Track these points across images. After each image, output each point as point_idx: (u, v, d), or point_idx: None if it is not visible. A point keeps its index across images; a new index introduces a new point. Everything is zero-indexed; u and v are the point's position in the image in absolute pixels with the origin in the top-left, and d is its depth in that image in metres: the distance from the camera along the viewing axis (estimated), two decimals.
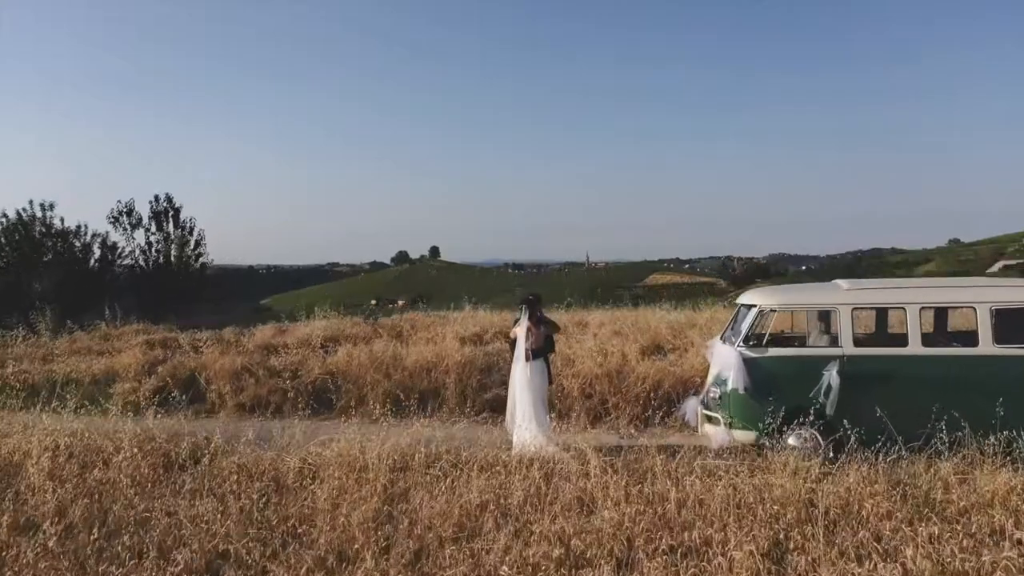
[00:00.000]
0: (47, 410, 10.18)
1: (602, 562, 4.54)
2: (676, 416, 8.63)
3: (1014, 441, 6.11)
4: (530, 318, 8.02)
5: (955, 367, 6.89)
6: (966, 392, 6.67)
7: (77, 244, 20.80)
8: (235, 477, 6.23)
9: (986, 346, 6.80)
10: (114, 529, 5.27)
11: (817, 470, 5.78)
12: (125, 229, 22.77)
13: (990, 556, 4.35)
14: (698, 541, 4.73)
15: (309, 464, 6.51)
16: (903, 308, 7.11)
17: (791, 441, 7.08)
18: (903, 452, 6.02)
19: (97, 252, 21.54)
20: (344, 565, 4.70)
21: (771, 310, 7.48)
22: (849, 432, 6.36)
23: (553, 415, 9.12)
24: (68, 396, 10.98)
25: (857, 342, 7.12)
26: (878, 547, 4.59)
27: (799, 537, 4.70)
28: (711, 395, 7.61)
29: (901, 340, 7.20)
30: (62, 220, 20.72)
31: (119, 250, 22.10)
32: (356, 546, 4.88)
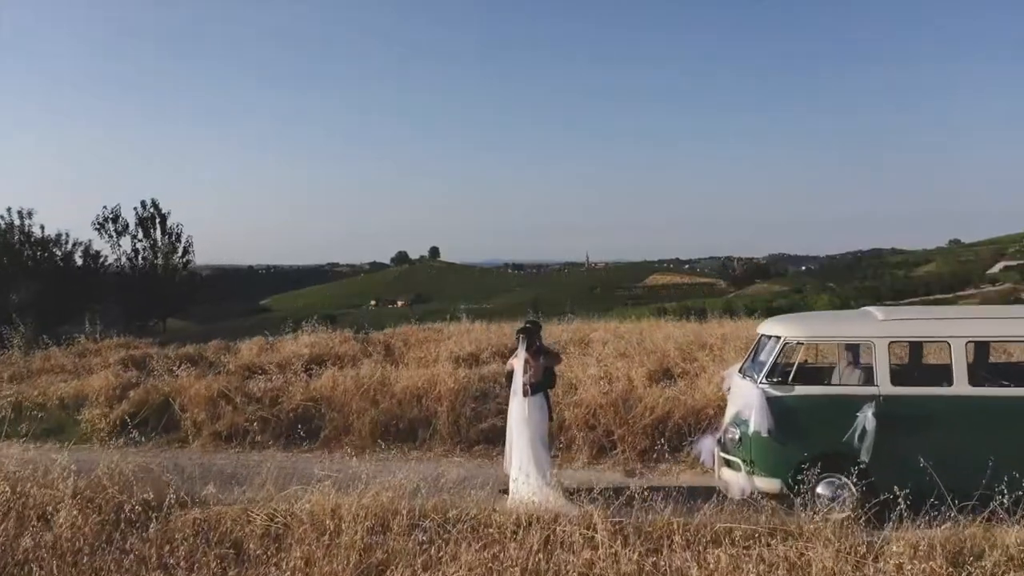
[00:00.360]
0: (4, 440, 9.45)
1: None
2: (691, 454, 7.85)
3: None
4: (528, 349, 7.24)
5: (1012, 412, 6.09)
6: None
7: (58, 253, 20.06)
8: (192, 541, 5.46)
9: None
10: None
11: (856, 537, 5.01)
12: (111, 236, 22.08)
13: None
14: None
15: (277, 523, 5.74)
16: (946, 342, 6.33)
17: (821, 490, 6.32)
18: (955, 513, 5.25)
19: (80, 261, 20.77)
20: None
21: (797, 342, 6.69)
22: (886, 481, 5.63)
23: (556, 455, 8.38)
24: (30, 423, 10.27)
25: (895, 379, 6.34)
26: None
27: None
28: (729, 436, 6.83)
29: (942, 376, 6.44)
30: (42, 228, 20.03)
31: (103, 258, 21.37)
32: None
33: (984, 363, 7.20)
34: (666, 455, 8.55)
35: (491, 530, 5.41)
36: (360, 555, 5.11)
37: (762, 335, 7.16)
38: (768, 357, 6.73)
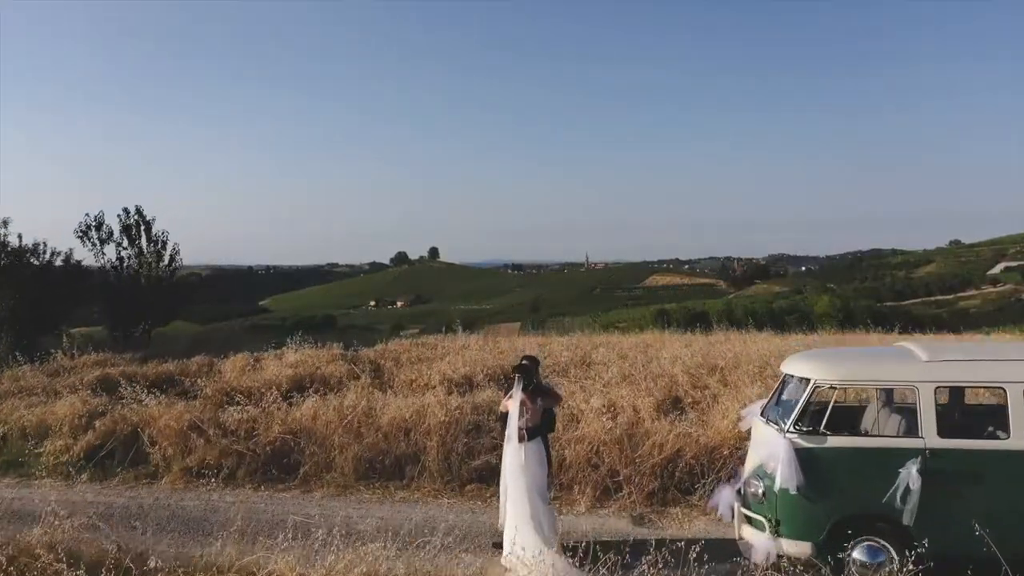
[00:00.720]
0: None
1: None
2: (706, 504, 7.05)
3: None
4: (525, 389, 6.45)
5: None
6: None
7: (35, 263, 19.22)
8: None
9: None
10: None
11: None
12: (94, 244, 21.25)
13: None
14: None
15: None
16: (1002, 388, 5.55)
17: (857, 556, 5.55)
18: None
19: (60, 263, 19.95)
20: None
21: (830, 386, 5.89)
22: (932, 547, 4.97)
23: (555, 497, 7.61)
24: None
25: (941, 429, 5.55)
26: None
27: None
28: (752, 490, 6.04)
29: (994, 424, 5.66)
30: (20, 237, 19.17)
31: (83, 264, 20.52)
32: None
33: None
34: (678, 498, 7.83)
35: None
36: None
37: (787, 374, 6.37)
38: (796, 401, 5.94)
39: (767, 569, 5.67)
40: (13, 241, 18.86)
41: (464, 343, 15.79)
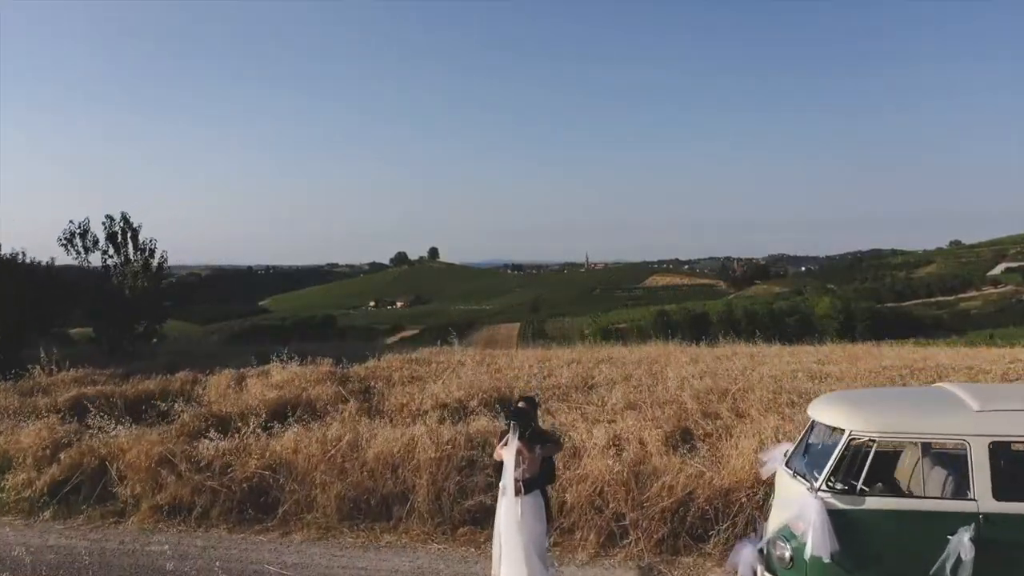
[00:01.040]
0: None
1: None
2: (727, 566, 6.34)
3: None
4: (521, 436, 5.76)
5: None
6: None
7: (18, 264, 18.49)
8: None
9: None
10: None
11: None
12: (79, 252, 20.51)
13: None
14: None
15: None
16: None
17: None
18: None
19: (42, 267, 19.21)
20: None
21: (869, 439, 5.18)
22: None
23: (554, 544, 6.94)
24: None
25: (997, 491, 4.86)
26: None
27: None
28: (778, 553, 5.35)
29: None
30: None
31: (62, 277, 19.77)
32: None
33: None
34: (690, 546, 7.15)
35: None
36: None
37: (815, 421, 5.67)
38: (828, 454, 5.25)
39: None
40: None
41: (460, 359, 15.08)
